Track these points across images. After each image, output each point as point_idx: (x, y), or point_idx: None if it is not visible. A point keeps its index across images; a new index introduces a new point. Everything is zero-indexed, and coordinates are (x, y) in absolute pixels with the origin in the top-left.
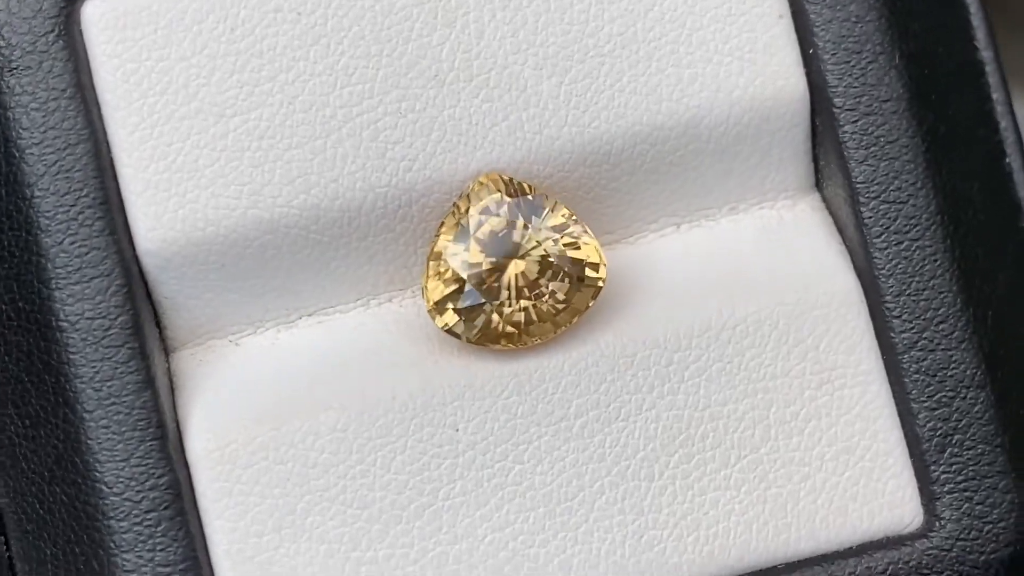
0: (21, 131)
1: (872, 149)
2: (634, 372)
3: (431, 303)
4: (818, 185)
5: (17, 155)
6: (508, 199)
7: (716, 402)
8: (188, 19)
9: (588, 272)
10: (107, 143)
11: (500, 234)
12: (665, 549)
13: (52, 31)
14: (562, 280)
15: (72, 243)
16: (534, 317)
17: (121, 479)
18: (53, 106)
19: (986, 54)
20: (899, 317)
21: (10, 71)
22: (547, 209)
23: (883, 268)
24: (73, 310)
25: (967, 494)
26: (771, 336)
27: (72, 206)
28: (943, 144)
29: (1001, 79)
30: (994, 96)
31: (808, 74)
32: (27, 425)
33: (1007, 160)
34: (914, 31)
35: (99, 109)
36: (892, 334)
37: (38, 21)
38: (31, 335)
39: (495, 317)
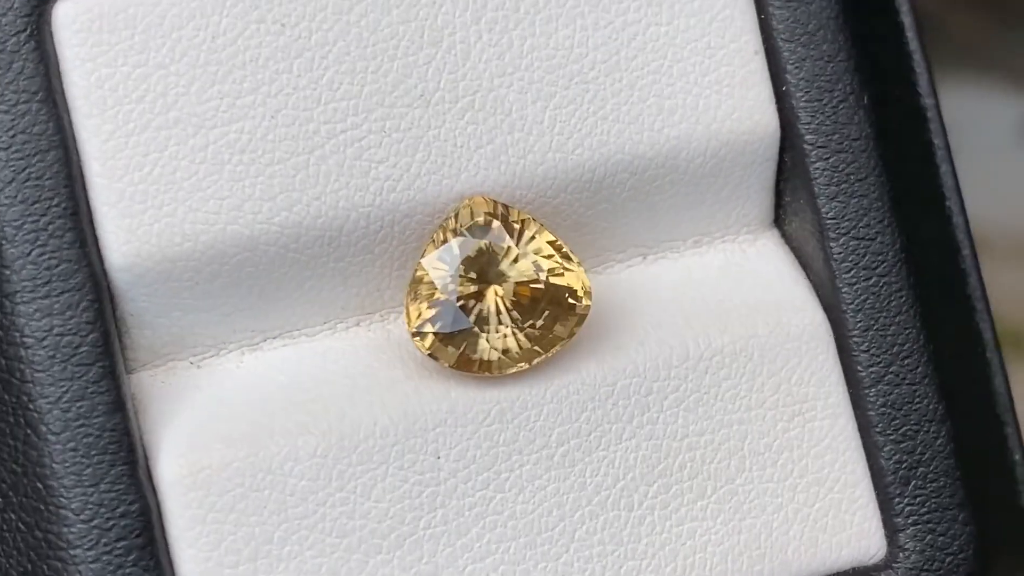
0: None
1: (843, 186)
2: (614, 401)
3: (413, 326)
4: (777, 221)
5: None
6: (494, 223)
7: (694, 432)
8: (167, 25)
9: (572, 300)
10: (78, 151)
11: (484, 258)
12: None
13: (24, 30)
14: (545, 307)
15: (40, 255)
16: (516, 343)
17: (89, 505)
18: (23, 109)
19: (928, 101)
20: (866, 352)
21: None
22: (532, 234)
23: (851, 303)
24: (40, 325)
25: (930, 526)
26: (746, 367)
27: (41, 216)
28: (902, 183)
29: (940, 125)
30: (935, 141)
31: (780, 110)
32: None
33: (947, 203)
34: (876, 74)
35: (70, 115)
36: (859, 368)
37: (8, 19)
38: None
39: (477, 342)
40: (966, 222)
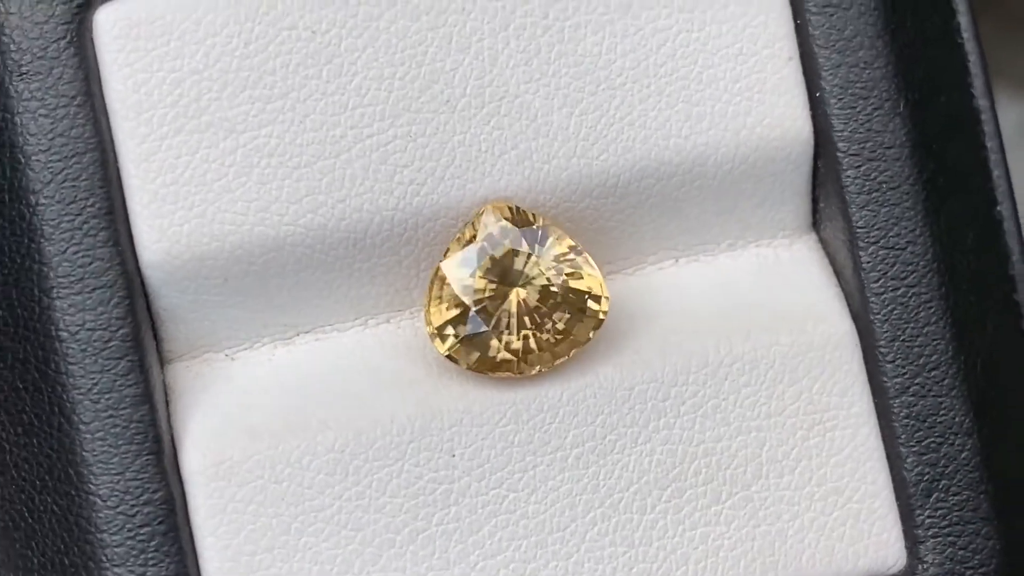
0: (28, 137)
1: (874, 195)
2: (631, 405)
3: (432, 327)
4: (815, 225)
5: (23, 161)
6: (514, 228)
7: (710, 438)
8: (202, 32)
9: (590, 304)
10: (114, 153)
11: (504, 262)
12: None
13: (64, 37)
14: (563, 311)
15: (75, 252)
16: (534, 346)
17: (116, 492)
18: (62, 113)
19: (982, 102)
20: (892, 362)
21: (19, 76)
22: (552, 239)
23: (879, 313)
24: (74, 320)
25: (951, 539)
26: (767, 375)
27: (77, 215)
28: (941, 191)
29: (995, 128)
30: (988, 144)
31: (814, 117)
32: (19, 433)
33: (998, 208)
34: (917, 79)
35: (107, 118)
36: (884, 378)
37: (50, 26)
38: (28, 343)
39: (495, 344)
40: (1018, 228)
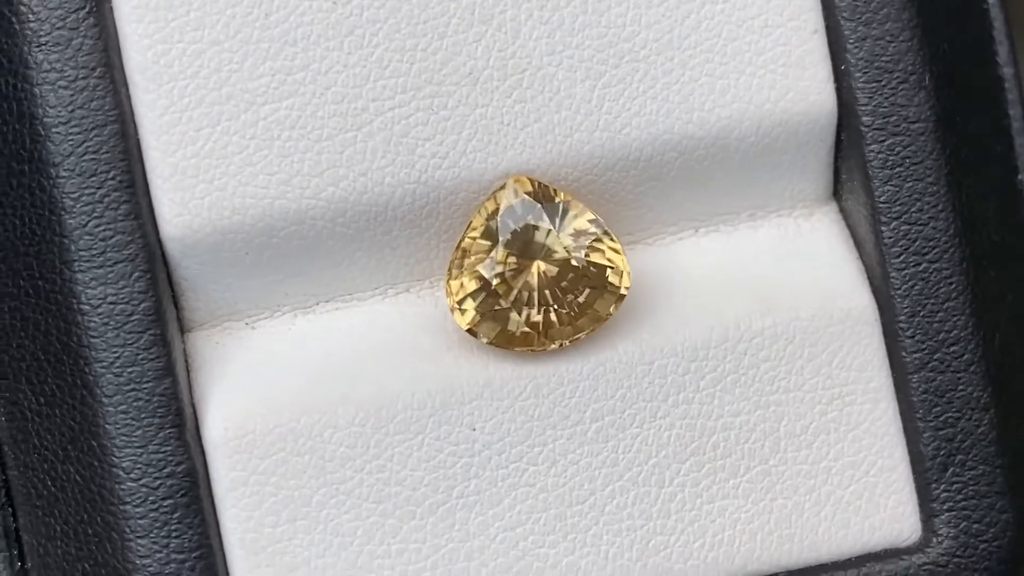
0: (48, 109)
1: (897, 169)
2: (651, 380)
3: (453, 301)
4: (835, 195)
5: (43, 133)
6: (536, 202)
7: (729, 412)
8: (222, 2)
9: (611, 278)
10: (135, 125)
11: (526, 236)
12: (671, 554)
13: (83, 7)
14: (584, 285)
15: (96, 226)
16: (554, 321)
17: (139, 465)
18: (81, 84)
19: (1007, 70)
20: (912, 337)
21: (38, 46)
22: (573, 213)
23: (899, 288)
24: (95, 293)
25: (965, 512)
26: (786, 350)
27: (98, 188)
28: (964, 165)
29: (1019, 95)
30: (1011, 112)
31: (838, 90)
32: (42, 403)
33: (1020, 177)
34: (943, 51)
35: (127, 90)
36: (904, 354)
37: None
38: (50, 315)
39: (516, 319)
40: None
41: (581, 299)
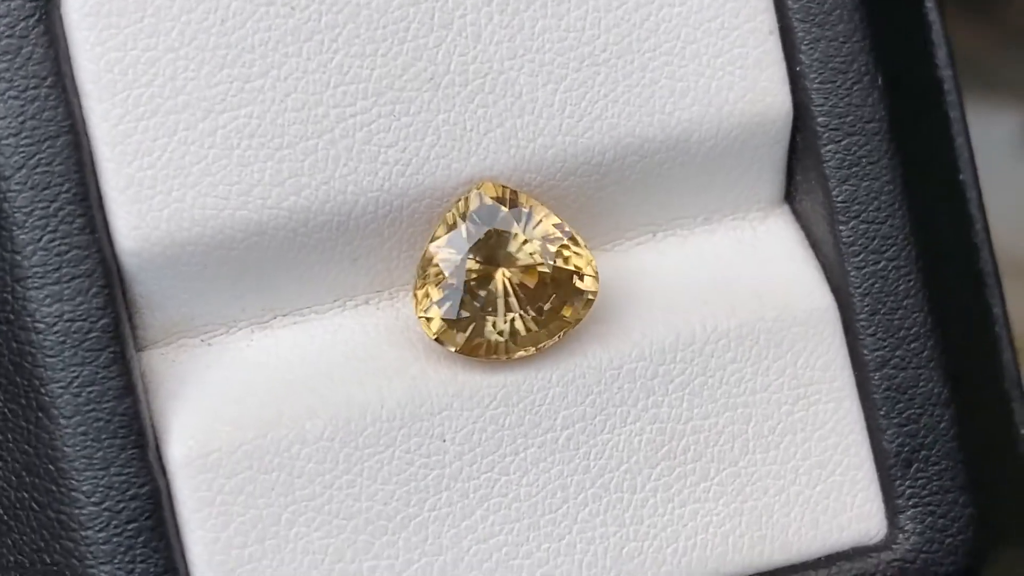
0: None
1: (854, 169)
2: (620, 385)
3: (420, 310)
4: (787, 198)
5: None
6: (502, 207)
7: (698, 415)
8: (176, 8)
9: (579, 283)
10: (88, 136)
11: (492, 243)
12: (645, 561)
13: (33, 15)
14: (552, 291)
15: (51, 241)
16: (522, 328)
17: (100, 488)
18: (32, 95)
19: (945, 72)
20: (872, 335)
21: None
22: (539, 218)
23: (859, 287)
24: (51, 311)
25: (930, 507)
26: (752, 351)
27: (51, 202)
28: (914, 164)
29: (958, 98)
30: (951, 114)
31: (793, 91)
32: None
33: (961, 176)
34: (890, 52)
35: (80, 100)
36: (865, 351)
37: (17, 3)
38: (2, 335)
39: (484, 327)
40: (979, 195)
41: (549, 304)
